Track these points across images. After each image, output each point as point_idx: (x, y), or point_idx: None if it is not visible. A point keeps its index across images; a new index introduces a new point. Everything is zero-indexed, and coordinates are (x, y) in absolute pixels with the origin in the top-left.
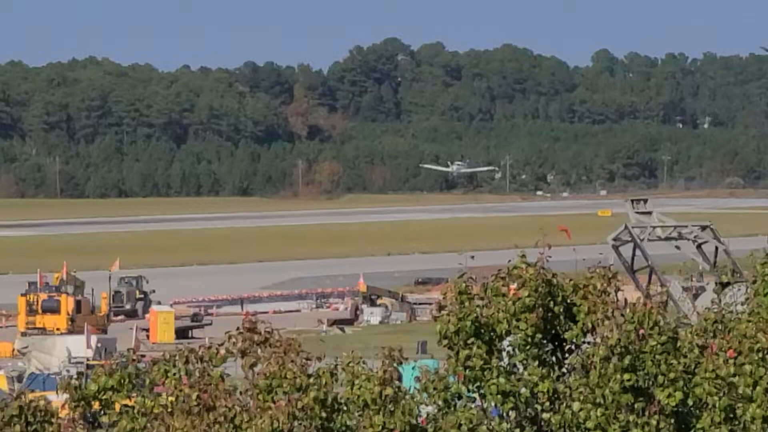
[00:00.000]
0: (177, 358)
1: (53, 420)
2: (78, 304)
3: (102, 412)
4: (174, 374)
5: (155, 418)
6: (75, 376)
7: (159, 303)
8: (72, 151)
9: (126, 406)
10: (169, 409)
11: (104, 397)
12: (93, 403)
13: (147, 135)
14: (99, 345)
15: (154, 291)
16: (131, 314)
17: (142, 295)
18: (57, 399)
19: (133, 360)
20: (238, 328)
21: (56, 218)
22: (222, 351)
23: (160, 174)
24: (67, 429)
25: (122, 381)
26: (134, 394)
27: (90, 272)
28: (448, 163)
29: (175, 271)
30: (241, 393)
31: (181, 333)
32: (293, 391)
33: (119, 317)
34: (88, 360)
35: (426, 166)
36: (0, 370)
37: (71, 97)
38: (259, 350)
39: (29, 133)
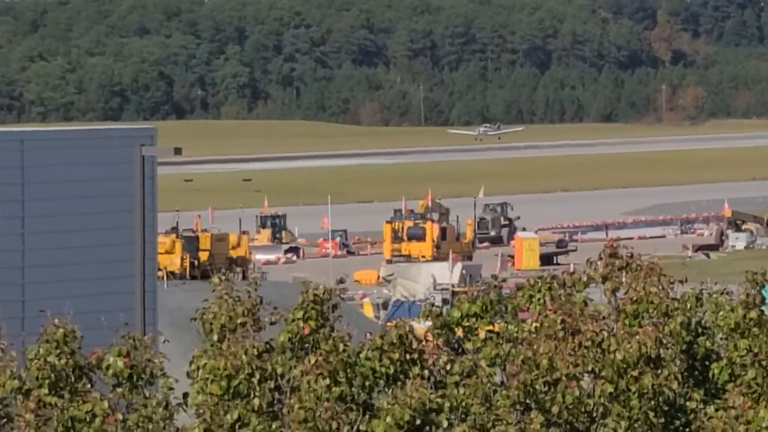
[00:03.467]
0: (541, 284)
1: (420, 347)
2: (443, 231)
3: (466, 338)
4: (538, 300)
5: (520, 343)
6: (439, 303)
7: (524, 229)
8: (436, 78)
9: (490, 332)
10: (534, 335)
11: (467, 323)
12: (456, 329)
13: (510, 61)
14: (464, 272)
15: (518, 218)
16: (496, 241)
17: (506, 222)
18: (420, 326)
19: (496, 286)
20: (600, 254)
21: (420, 146)
22: (584, 276)
23: (524, 100)
24: (432, 355)
25: (485, 307)
26: (498, 321)
27: (454, 199)
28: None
29: (539, 197)
30: (603, 318)
31: (546, 259)
32: (659, 315)
33: (484, 244)
34: (453, 287)
35: (452, 131)
36: (365, 297)
37: (435, 24)
38: (623, 276)
39: (393, 60)
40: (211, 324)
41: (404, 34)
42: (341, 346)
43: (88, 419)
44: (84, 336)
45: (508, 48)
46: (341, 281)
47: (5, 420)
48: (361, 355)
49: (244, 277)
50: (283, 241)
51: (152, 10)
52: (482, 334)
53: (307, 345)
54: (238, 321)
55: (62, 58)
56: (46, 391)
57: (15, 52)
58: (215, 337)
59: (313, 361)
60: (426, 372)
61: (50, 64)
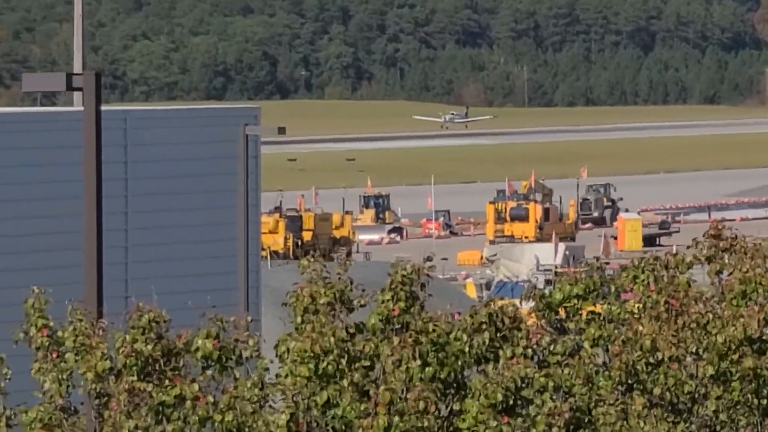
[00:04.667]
0: (645, 264)
1: (522, 327)
2: (546, 211)
3: (568, 318)
4: (642, 280)
5: (622, 324)
6: (542, 284)
7: (626, 210)
8: (540, 59)
9: (592, 312)
10: (636, 315)
11: (569, 304)
12: (559, 310)
13: (614, 43)
14: (567, 252)
15: (621, 199)
16: (599, 222)
17: (609, 203)
18: (523, 306)
19: (598, 267)
20: (703, 235)
21: (524, 127)
22: (688, 258)
23: (628, 82)
24: (536, 335)
25: (587, 289)
26: (600, 302)
27: (557, 180)
28: (441, 114)
29: (642, 178)
30: (706, 299)
31: (649, 240)
32: (766, 296)
33: (587, 225)
34: (556, 267)
35: (418, 117)
36: (468, 277)
37: (539, 4)
38: (726, 257)
39: (497, 41)
40: (297, 307)
41: (508, 14)
42: (431, 326)
43: (177, 403)
44: (185, 316)
45: (611, 29)
46: (429, 259)
47: (105, 398)
48: (451, 336)
49: (348, 257)
50: (387, 221)
51: None
52: (585, 315)
53: (398, 326)
54: (322, 301)
55: (166, 37)
56: (135, 377)
57: (118, 31)
58: (299, 320)
59: (397, 342)
60: (520, 350)
61: (154, 43)
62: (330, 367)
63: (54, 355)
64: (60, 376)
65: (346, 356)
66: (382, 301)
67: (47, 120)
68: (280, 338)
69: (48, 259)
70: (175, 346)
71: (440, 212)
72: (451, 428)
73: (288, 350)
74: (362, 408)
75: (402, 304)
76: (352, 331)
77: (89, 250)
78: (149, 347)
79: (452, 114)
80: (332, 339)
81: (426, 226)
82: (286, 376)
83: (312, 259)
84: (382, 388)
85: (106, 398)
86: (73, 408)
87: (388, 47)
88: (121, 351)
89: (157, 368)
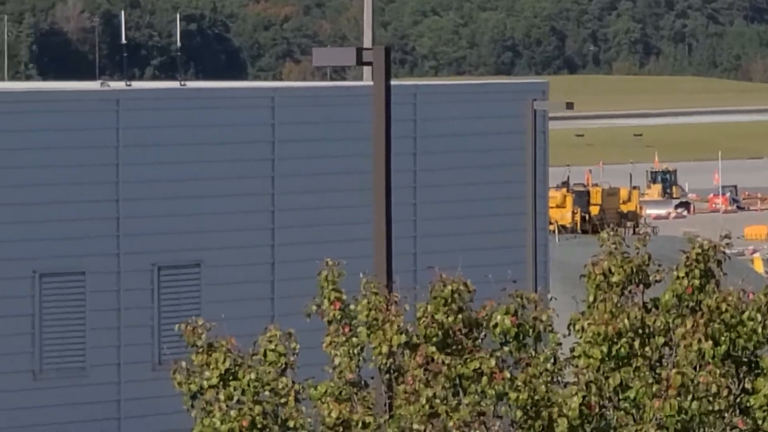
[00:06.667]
0: None
1: None
2: None
3: None
4: None
5: None
6: None
7: None
8: None
9: None
10: None
11: None
12: None
13: None
14: None
15: None
16: None
17: None
18: None
19: None
20: None
21: None
22: None
23: None
24: None
25: None
26: None
27: None
28: None
29: None
30: None
31: None
32: None
33: None
34: None
35: None
36: (756, 252)
37: None
38: None
39: None
40: (590, 284)
41: None
42: (723, 306)
43: (475, 377)
44: (476, 290)
45: None
46: (726, 236)
47: (396, 373)
48: (744, 315)
49: (635, 233)
50: (674, 196)
51: None
52: None
53: (691, 304)
54: (614, 279)
55: (455, 12)
56: (434, 348)
57: (408, 7)
58: (591, 298)
59: (690, 324)
60: None
61: (443, 19)
62: (623, 349)
63: (346, 329)
64: (351, 351)
65: (639, 337)
66: (677, 278)
67: (338, 94)
68: (572, 317)
69: (337, 232)
70: (475, 318)
71: (727, 187)
72: (742, 406)
73: (583, 330)
74: (654, 389)
75: (696, 282)
76: (648, 307)
77: (378, 224)
78: (450, 319)
79: None
80: (627, 321)
81: (713, 201)
82: (579, 356)
83: (611, 233)
84: (674, 371)
85: (396, 372)
86: (363, 382)
87: (676, 23)
88: (421, 322)
89: (455, 340)
